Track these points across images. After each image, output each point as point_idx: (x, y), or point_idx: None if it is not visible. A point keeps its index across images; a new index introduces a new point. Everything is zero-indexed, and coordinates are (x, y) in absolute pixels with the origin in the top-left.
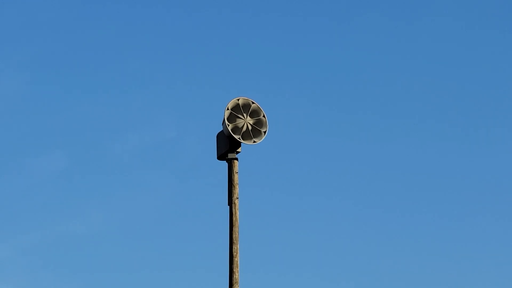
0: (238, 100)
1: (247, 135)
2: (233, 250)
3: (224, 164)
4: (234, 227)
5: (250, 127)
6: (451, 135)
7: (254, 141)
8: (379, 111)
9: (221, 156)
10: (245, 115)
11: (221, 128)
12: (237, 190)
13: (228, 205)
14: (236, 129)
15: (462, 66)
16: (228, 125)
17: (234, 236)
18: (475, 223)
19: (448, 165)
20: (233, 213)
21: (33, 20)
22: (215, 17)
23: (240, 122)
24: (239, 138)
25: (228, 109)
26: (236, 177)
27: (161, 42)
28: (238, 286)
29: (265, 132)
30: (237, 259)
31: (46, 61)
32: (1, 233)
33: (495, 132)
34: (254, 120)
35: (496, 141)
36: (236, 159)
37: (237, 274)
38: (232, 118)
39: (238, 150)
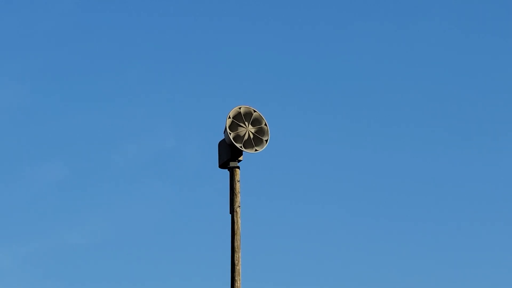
0: (239, 108)
1: (248, 144)
2: (235, 258)
3: (226, 172)
4: (236, 236)
5: (251, 136)
6: (451, 141)
7: (256, 150)
8: (380, 118)
9: (223, 165)
10: (246, 123)
11: (222, 137)
12: (238, 199)
13: (230, 213)
14: (237, 138)
15: (460, 71)
16: (230, 133)
17: (236, 244)
18: (474, 229)
19: (446, 170)
20: (235, 221)
21: (33, 30)
22: (215, 26)
23: (241, 131)
24: (241, 147)
25: (229, 117)
26: (237, 186)
27: (159, 51)
28: None
29: (266, 140)
30: (239, 268)
31: (46, 71)
32: (1, 242)
33: (494, 137)
34: (256, 129)
35: (495, 146)
36: (238, 167)
37: (239, 282)
38: (233, 126)
39: (239, 158)
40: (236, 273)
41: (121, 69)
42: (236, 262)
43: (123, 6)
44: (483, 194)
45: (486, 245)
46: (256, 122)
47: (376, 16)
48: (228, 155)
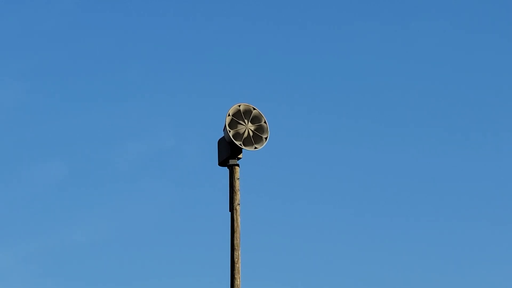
0: (239, 106)
1: (248, 141)
2: (235, 256)
3: (226, 170)
4: (235, 233)
5: (251, 133)
6: (451, 141)
7: (255, 147)
8: (380, 117)
9: (222, 162)
10: (246, 121)
11: (221, 135)
12: (238, 196)
13: (230, 211)
14: (237, 135)
15: (461, 70)
16: (230, 131)
17: (235, 242)
18: (474, 228)
19: (447, 170)
20: (235, 219)
21: (33, 29)
22: (214, 25)
23: (241, 128)
24: (240, 144)
25: (229, 115)
26: (237, 183)
27: (159, 51)
28: None
29: (266, 138)
30: (239, 265)
31: (46, 70)
32: (1, 241)
33: (493, 135)
34: (255, 126)
35: (494, 145)
36: (238, 165)
37: (238, 280)
38: (233, 124)
39: (239, 156)
40: (236, 271)
41: (121, 69)
42: (235, 260)
43: (123, 6)
44: (484, 193)
45: (486, 245)
46: (256, 119)
47: (376, 16)
48: (228, 152)
